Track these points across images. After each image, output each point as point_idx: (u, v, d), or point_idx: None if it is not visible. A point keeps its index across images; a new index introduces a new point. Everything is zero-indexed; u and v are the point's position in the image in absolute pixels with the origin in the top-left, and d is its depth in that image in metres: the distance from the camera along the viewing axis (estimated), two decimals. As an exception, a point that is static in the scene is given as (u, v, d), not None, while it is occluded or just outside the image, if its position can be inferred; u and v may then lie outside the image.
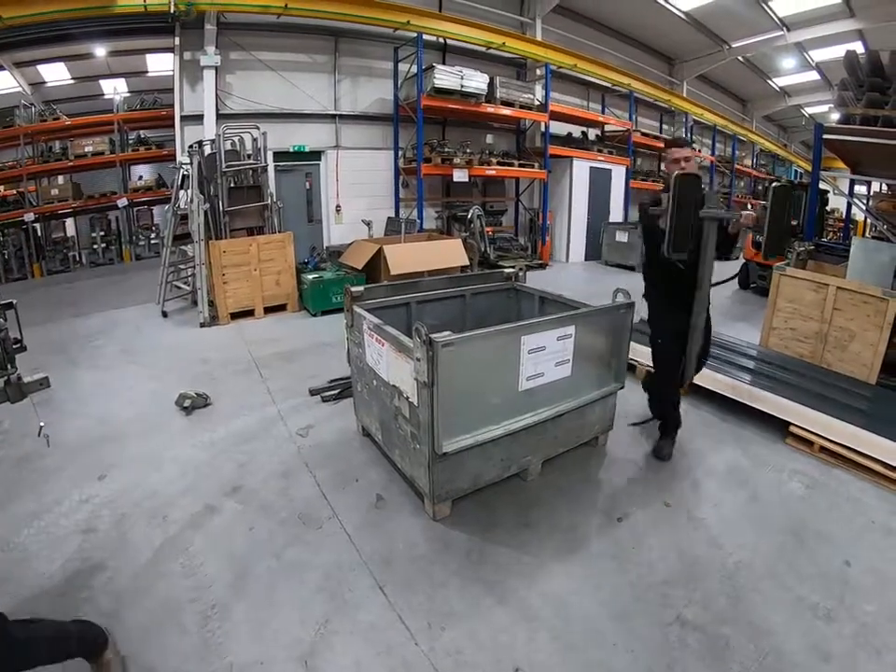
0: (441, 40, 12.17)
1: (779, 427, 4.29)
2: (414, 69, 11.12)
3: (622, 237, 13.03)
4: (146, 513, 3.54)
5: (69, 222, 15.67)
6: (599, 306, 3.76)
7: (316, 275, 8.35)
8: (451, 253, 8.89)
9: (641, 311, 4.02)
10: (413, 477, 3.40)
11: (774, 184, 3.31)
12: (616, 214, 14.90)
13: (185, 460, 4.08)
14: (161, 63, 14.66)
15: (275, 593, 2.82)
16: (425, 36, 11.08)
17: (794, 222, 7.83)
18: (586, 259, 14.31)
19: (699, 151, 19.43)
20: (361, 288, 3.96)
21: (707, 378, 4.80)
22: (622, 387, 3.94)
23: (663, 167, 5.66)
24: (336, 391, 4.97)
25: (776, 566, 2.93)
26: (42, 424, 2.85)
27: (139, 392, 5.42)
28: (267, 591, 2.84)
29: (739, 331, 5.45)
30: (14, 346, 2.68)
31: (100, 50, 13.83)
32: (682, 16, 15.34)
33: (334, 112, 11.68)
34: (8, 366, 2.63)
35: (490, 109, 11.97)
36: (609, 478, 3.77)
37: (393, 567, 2.93)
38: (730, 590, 2.76)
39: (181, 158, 9.69)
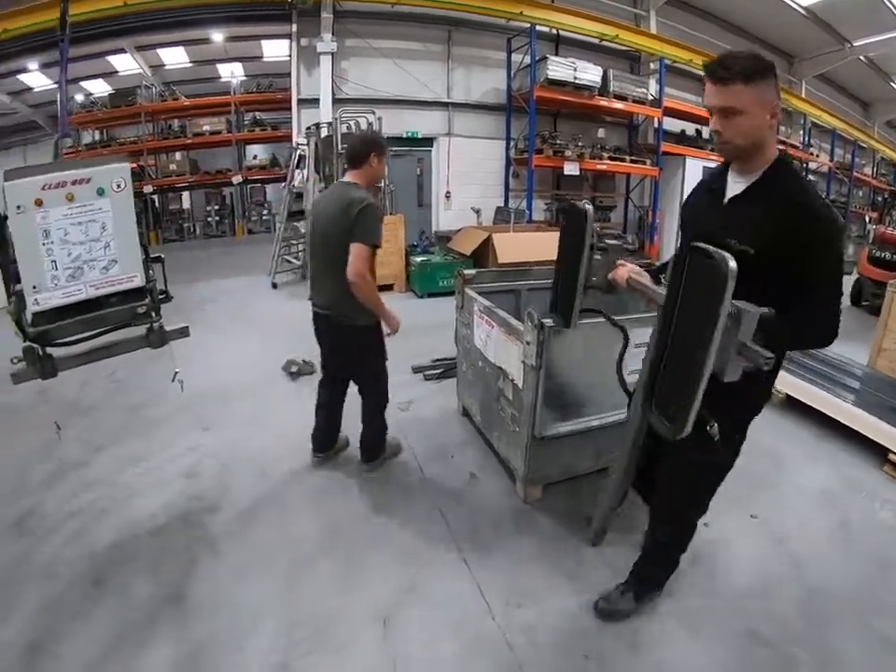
0: (554, 31, 11.99)
1: (878, 453, 4.02)
2: (527, 60, 11.07)
3: (729, 243, 12.53)
4: (247, 466, 3.78)
5: (185, 195, 16.70)
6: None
7: (425, 258, 8.56)
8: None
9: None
10: (508, 458, 3.48)
11: (560, 205, 2.67)
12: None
13: (288, 422, 4.28)
14: (275, 49, 15.28)
15: (363, 554, 2.96)
16: (538, 27, 10.99)
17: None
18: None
19: (816, 155, 18.43)
20: (474, 272, 4.07)
21: (805, 392, 4.62)
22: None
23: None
24: (439, 370, 5.11)
25: (856, 594, 2.79)
26: (177, 370, 3.15)
27: (248, 355, 5.78)
28: (355, 551, 2.99)
29: (846, 350, 5.17)
30: (160, 297, 2.92)
31: (217, 36, 14.46)
32: (802, 11, 14.46)
33: (447, 100, 11.78)
34: (153, 314, 2.86)
35: (603, 102, 11.76)
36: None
37: (478, 543, 3.01)
38: (805, 611, 2.66)
39: (298, 139, 10.12)
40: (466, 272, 4.03)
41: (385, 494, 3.47)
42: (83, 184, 2.57)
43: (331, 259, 3.13)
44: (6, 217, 2.44)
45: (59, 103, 7.93)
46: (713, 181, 2.11)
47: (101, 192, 2.60)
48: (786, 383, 4.74)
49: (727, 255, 1.61)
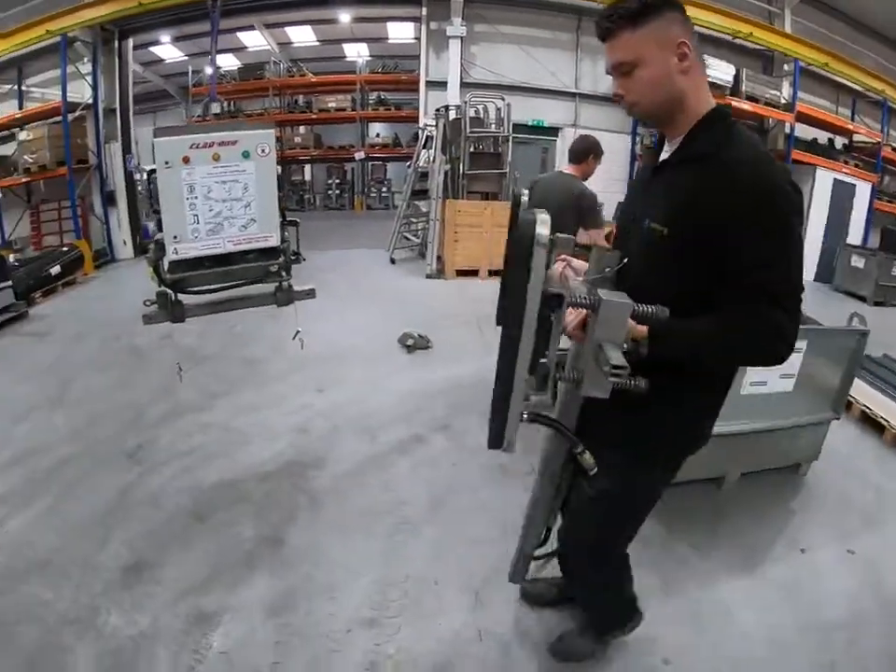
0: None
1: None
2: None
3: (857, 262, 11.71)
4: (357, 429, 4.00)
5: (307, 168, 17.37)
6: (834, 327, 3.61)
7: None
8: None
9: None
10: None
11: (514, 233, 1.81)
12: (855, 236, 13.44)
13: (401, 391, 4.51)
14: (400, 32, 15.68)
15: (463, 526, 3.09)
16: None
17: None
18: (815, 280, 13.10)
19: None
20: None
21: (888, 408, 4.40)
22: (837, 419, 3.71)
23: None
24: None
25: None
26: (299, 329, 3.30)
27: (365, 324, 6.10)
28: (456, 522, 3.12)
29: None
30: (292, 258, 3.15)
31: (345, 17, 14.81)
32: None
33: (574, 90, 11.73)
34: (284, 273, 3.08)
35: (733, 103, 11.13)
36: (802, 508, 3.56)
37: None
38: (894, 652, 2.56)
39: (426, 120, 10.43)
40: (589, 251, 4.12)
41: (490, 472, 3.56)
42: (230, 146, 2.76)
43: None
44: (153, 171, 2.70)
45: (211, 69, 8.62)
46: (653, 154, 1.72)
47: (246, 155, 2.79)
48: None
49: (536, 218, 1.31)
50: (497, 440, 1.56)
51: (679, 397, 1.56)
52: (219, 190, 2.79)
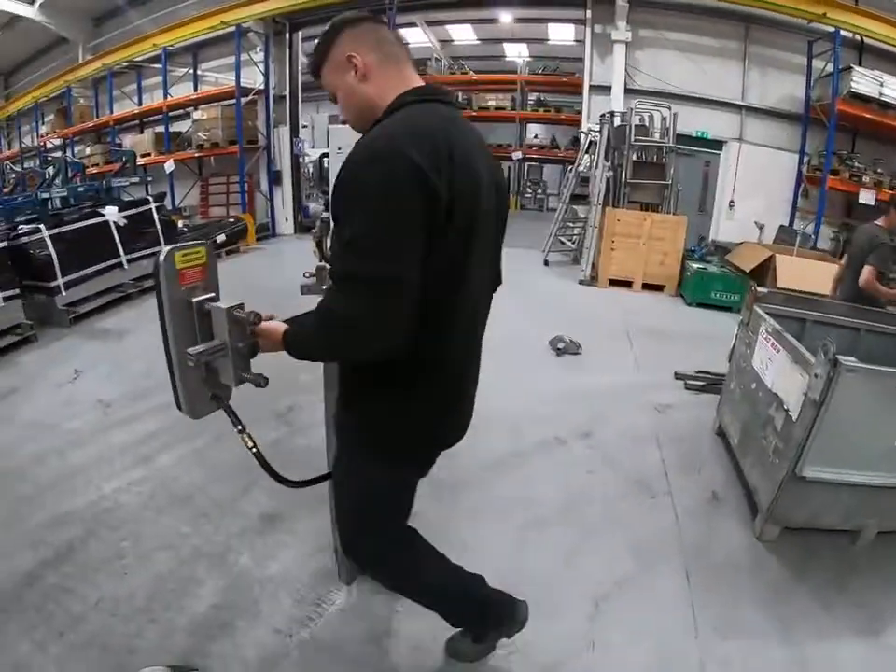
0: (858, 38, 10.42)
1: None
2: (829, 68, 9.88)
3: None
4: (501, 423, 4.01)
5: None
6: None
7: (701, 266, 8.23)
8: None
9: None
10: (757, 489, 3.30)
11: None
12: None
13: (547, 393, 4.53)
14: (561, 33, 15.68)
15: (592, 534, 3.06)
16: (842, 32, 9.72)
17: None
18: None
19: None
20: (765, 290, 3.92)
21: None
22: None
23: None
24: (702, 383, 4.97)
25: None
26: None
27: (516, 323, 6.06)
28: (586, 529, 3.09)
29: None
30: None
31: (505, 17, 14.94)
32: None
33: (740, 103, 11.00)
34: None
35: None
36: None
37: (704, 562, 2.94)
38: None
39: (589, 124, 10.28)
40: (759, 288, 3.89)
41: (627, 485, 3.52)
42: None
43: None
44: (325, 154, 2.77)
45: None
46: None
47: None
48: None
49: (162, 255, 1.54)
50: (177, 403, 1.72)
51: (366, 393, 1.58)
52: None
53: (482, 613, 2.15)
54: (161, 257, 1.56)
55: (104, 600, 2.48)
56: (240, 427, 1.74)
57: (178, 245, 1.62)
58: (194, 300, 1.63)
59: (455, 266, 1.40)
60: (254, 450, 1.74)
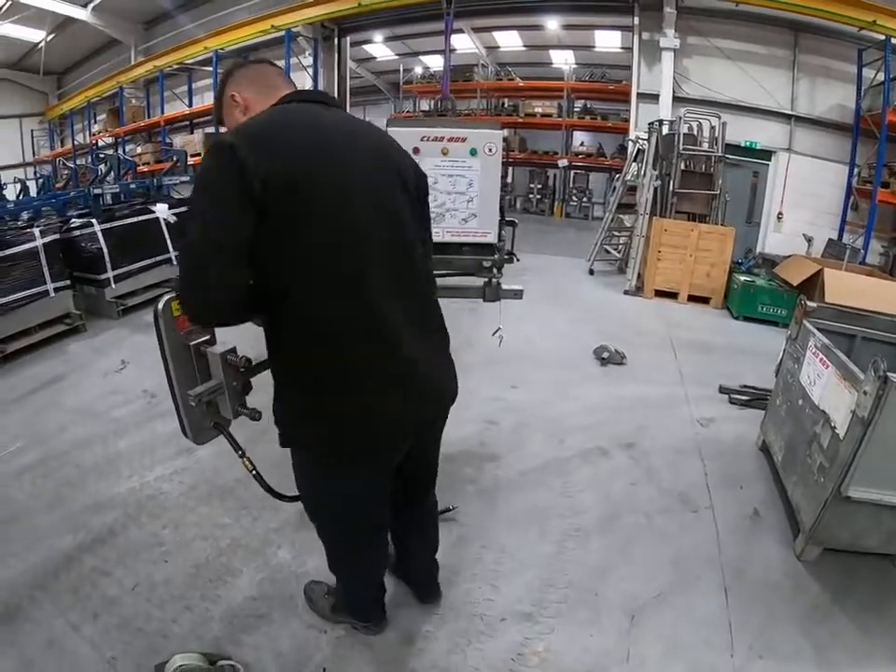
0: None
1: None
2: (880, 77, 9.55)
3: None
4: (544, 430, 4.05)
5: (510, 170, 17.81)
6: None
7: (749, 279, 8.02)
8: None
9: None
10: (799, 508, 3.20)
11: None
12: None
13: (591, 402, 4.51)
14: (607, 40, 15.53)
15: (633, 546, 3.02)
16: (893, 41, 9.36)
17: None
18: None
19: None
20: (815, 305, 3.82)
21: None
22: None
23: None
24: (746, 398, 4.85)
25: None
26: (500, 327, 3.41)
27: (561, 331, 6.18)
28: (627, 541, 3.06)
29: None
30: (505, 257, 3.21)
31: (552, 24, 14.88)
32: None
33: (790, 112, 10.76)
34: (496, 270, 3.15)
35: None
36: None
37: (743, 580, 2.88)
38: None
39: (637, 132, 10.22)
40: (808, 303, 3.80)
41: (669, 500, 3.47)
42: (459, 142, 2.92)
43: None
44: None
45: (443, 69, 9.28)
46: None
47: (473, 153, 2.93)
48: None
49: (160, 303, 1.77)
50: (182, 430, 1.94)
51: (281, 393, 1.69)
52: (445, 183, 2.97)
53: (358, 610, 2.32)
54: (160, 305, 1.75)
55: (140, 585, 2.55)
56: (240, 452, 1.99)
57: (174, 294, 1.74)
58: (192, 343, 1.84)
59: (300, 240, 1.48)
60: (253, 472, 2.01)
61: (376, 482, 1.83)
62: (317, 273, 1.51)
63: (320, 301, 1.52)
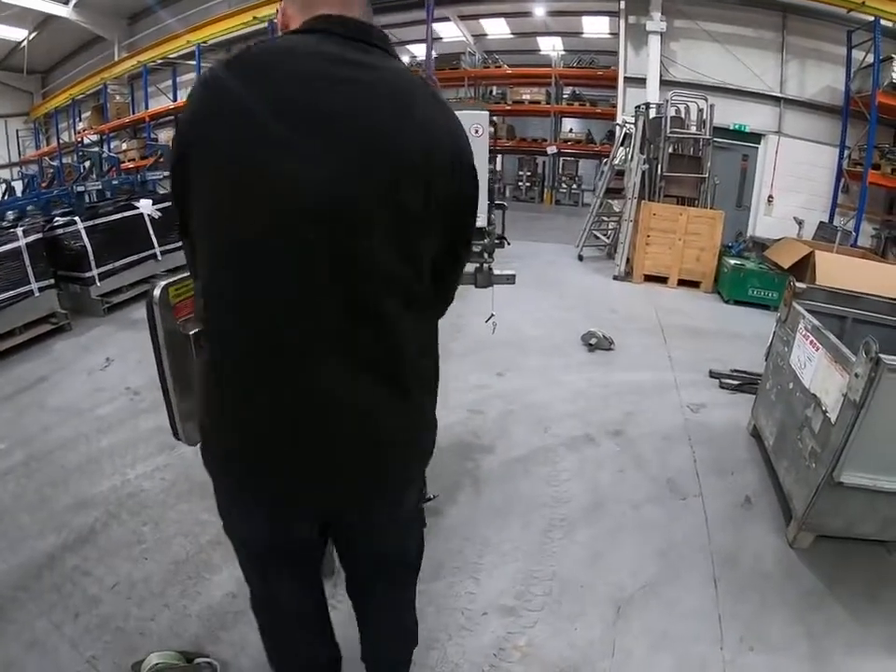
0: None
1: None
2: (869, 58, 9.50)
3: None
4: (530, 417, 4.02)
5: (498, 158, 17.82)
6: None
7: (739, 262, 8.01)
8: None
9: None
10: (791, 494, 3.17)
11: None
12: None
13: (578, 389, 4.49)
14: (595, 26, 15.41)
15: (619, 535, 2.99)
16: (882, 22, 9.29)
17: None
18: None
19: None
20: (804, 286, 3.77)
21: None
22: None
23: None
24: (737, 382, 4.83)
25: None
26: (493, 314, 3.31)
27: (549, 317, 6.18)
28: (613, 530, 3.03)
29: None
30: (496, 241, 3.13)
31: (539, 10, 14.84)
32: None
33: (779, 95, 10.74)
34: (486, 255, 3.08)
35: None
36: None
37: (733, 570, 2.85)
38: None
39: (624, 116, 10.19)
40: (798, 284, 3.75)
41: (657, 488, 3.43)
42: None
43: None
44: None
45: (426, 53, 9.15)
46: None
47: None
48: None
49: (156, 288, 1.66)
50: (173, 432, 1.81)
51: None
52: (433, 167, 2.89)
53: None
54: (156, 292, 1.64)
55: (120, 584, 2.53)
56: None
57: (171, 280, 1.67)
58: (191, 333, 1.68)
59: (218, 227, 1.12)
60: None
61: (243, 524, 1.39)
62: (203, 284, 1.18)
63: (216, 293, 1.17)
